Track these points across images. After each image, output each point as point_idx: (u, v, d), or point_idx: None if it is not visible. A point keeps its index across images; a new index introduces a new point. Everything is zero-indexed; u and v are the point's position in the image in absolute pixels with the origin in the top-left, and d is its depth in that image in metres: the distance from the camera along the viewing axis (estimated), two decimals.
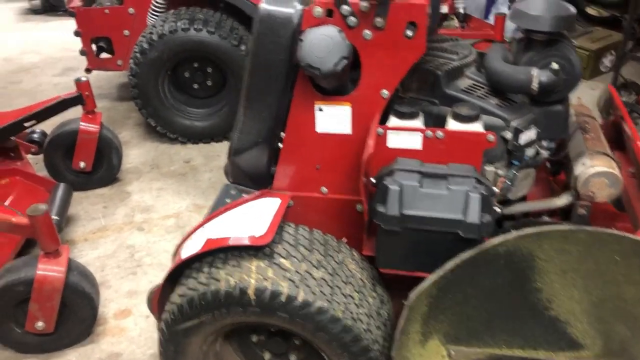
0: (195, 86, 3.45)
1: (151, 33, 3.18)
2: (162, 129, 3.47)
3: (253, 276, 1.50)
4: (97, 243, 2.76)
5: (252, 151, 1.72)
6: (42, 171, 3.03)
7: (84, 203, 3.03)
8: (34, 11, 5.97)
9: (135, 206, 3.03)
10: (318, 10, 1.49)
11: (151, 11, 3.45)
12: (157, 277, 2.54)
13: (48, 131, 3.01)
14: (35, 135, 3.03)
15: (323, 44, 1.44)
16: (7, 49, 5.14)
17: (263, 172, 1.76)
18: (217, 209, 1.80)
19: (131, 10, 3.51)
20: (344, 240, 1.73)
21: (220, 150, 3.48)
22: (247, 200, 1.75)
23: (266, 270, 1.51)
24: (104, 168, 3.09)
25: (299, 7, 1.53)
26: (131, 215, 2.96)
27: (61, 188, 2.72)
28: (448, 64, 1.72)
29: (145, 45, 3.18)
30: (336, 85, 1.56)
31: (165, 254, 2.68)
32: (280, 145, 1.72)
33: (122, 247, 2.73)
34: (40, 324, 2.05)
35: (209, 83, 3.45)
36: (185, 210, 2.98)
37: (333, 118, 1.63)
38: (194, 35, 3.17)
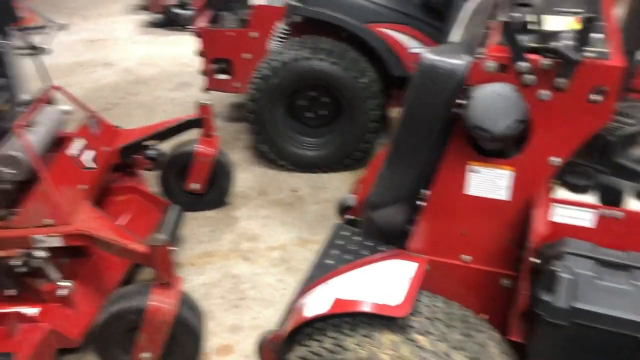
0: (310, 115, 3.38)
1: (273, 60, 3.15)
2: (273, 155, 3.42)
3: (386, 352, 1.35)
4: (203, 269, 2.72)
5: (391, 208, 1.58)
6: (153, 187, 3.06)
7: (193, 225, 3.02)
8: (155, 24, 6.22)
9: (242, 233, 2.97)
10: (490, 65, 1.34)
11: (274, 37, 3.43)
12: (261, 314, 2.46)
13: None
14: (152, 152, 3.06)
15: (496, 104, 1.28)
16: (128, 60, 5.37)
17: (399, 231, 1.61)
18: (328, 249, 1.69)
19: (254, 34, 3.51)
20: (484, 316, 1.55)
21: (327, 182, 3.38)
22: (378, 259, 1.60)
23: (400, 347, 1.35)
24: (215, 191, 3.08)
25: (467, 58, 1.38)
26: (237, 243, 2.91)
27: (174, 210, 2.70)
28: (623, 128, 1.50)
29: (266, 72, 3.15)
30: (501, 147, 1.39)
31: (269, 289, 2.59)
32: (422, 203, 1.57)
33: (227, 276, 2.68)
34: (146, 355, 2.00)
35: (324, 113, 3.37)
36: (290, 244, 2.89)
37: (488, 181, 1.46)
38: (316, 64, 3.10)
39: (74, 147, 2.37)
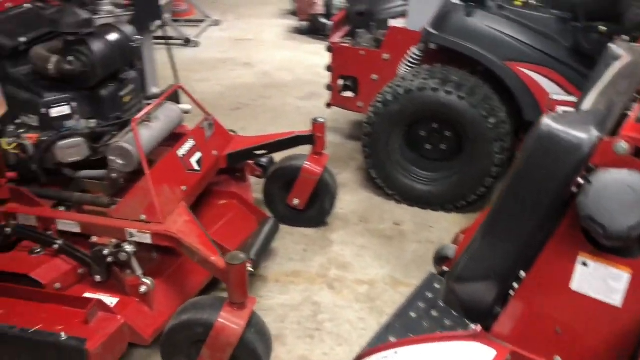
0: (428, 147, 3.19)
1: (398, 86, 3.02)
2: (382, 182, 3.28)
3: None
4: (286, 288, 2.66)
5: (479, 283, 1.39)
6: (256, 193, 3.07)
7: (287, 239, 2.98)
8: (300, 31, 6.34)
9: (333, 259, 2.88)
10: (622, 147, 1.10)
11: (405, 61, 3.29)
12: (333, 350, 2.34)
13: None
14: (264, 160, 3.07)
15: (620, 196, 1.05)
16: (268, 63, 5.51)
17: (484, 310, 1.41)
18: (416, 300, 1.59)
19: (386, 56, 3.40)
20: None
21: (435, 221, 3.17)
22: (457, 337, 1.42)
23: None
24: (316, 210, 3.01)
25: (594, 133, 1.16)
26: (327, 268, 2.81)
27: (270, 223, 2.67)
28: None
29: (389, 97, 3.02)
30: (620, 246, 1.15)
31: (347, 325, 2.46)
32: (515, 285, 1.36)
33: (308, 301, 2.59)
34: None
35: (443, 147, 3.16)
36: (381, 281, 2.74)
37: (599, 280, 1.22)
38: (443, 97, 2.91)
39: (184, 148, 2.42)
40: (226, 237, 2.55)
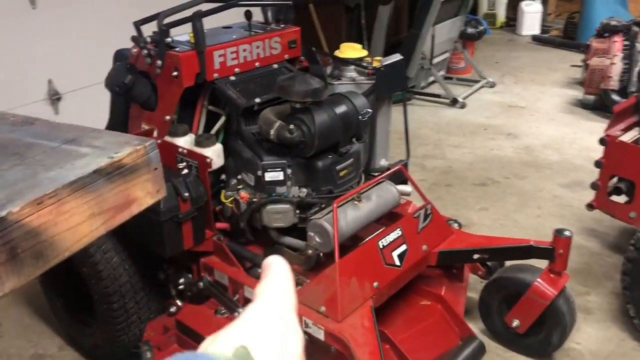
0: None
1: None
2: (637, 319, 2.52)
3: None
4: None
5: None
6: (473, 293, 2.63)
7: None
8: (584, 105, 5.56)
9: None
10: None
11: None
12: None
13: None
14: (491, 262, 2.62)
15: None
16: (534, 137, 4.92)
17: None
18: None
19: None
20: None
21: None
22: None
23: None
24: (539, 339, 2.43)
25: None
26: None
27: (473, 345, 2.23)
28: None
29: None
30: None
31: None
32: None
33: None
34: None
35: None
36: None
37: None
38: None
39: (387, 238, 2.16)
40: (417, 348, 2.19)
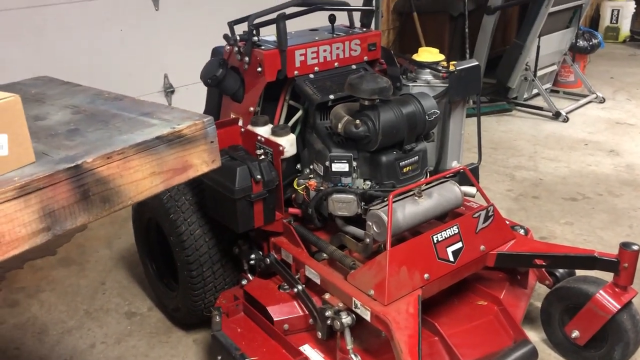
0: None
1: None
2: None
3: None
4: None
5: None
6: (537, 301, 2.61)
7: None
8: None
9: None
10: None
11: None
12: None
13: None
14: (561, 270, 2.60)
15: None
16: (638, 157, 4.67)
17: None
18: None
19: None
20: None
21: None
22: None
23: None
24: (600, 353, 2.37)
25: None
26: None
27: (526, 349, 2.24)
28: None
29: None
30: None
31: None
32: None
33: None
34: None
35: None
36: None
37: None
38: None
39: (443, 233, 2.24)
40: (467, 344, 2.24)
